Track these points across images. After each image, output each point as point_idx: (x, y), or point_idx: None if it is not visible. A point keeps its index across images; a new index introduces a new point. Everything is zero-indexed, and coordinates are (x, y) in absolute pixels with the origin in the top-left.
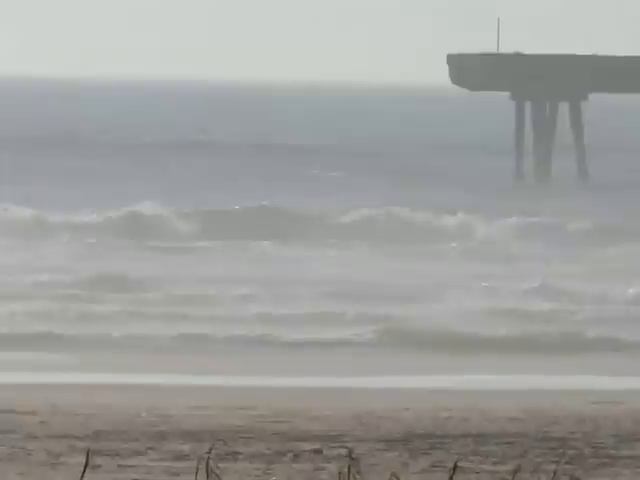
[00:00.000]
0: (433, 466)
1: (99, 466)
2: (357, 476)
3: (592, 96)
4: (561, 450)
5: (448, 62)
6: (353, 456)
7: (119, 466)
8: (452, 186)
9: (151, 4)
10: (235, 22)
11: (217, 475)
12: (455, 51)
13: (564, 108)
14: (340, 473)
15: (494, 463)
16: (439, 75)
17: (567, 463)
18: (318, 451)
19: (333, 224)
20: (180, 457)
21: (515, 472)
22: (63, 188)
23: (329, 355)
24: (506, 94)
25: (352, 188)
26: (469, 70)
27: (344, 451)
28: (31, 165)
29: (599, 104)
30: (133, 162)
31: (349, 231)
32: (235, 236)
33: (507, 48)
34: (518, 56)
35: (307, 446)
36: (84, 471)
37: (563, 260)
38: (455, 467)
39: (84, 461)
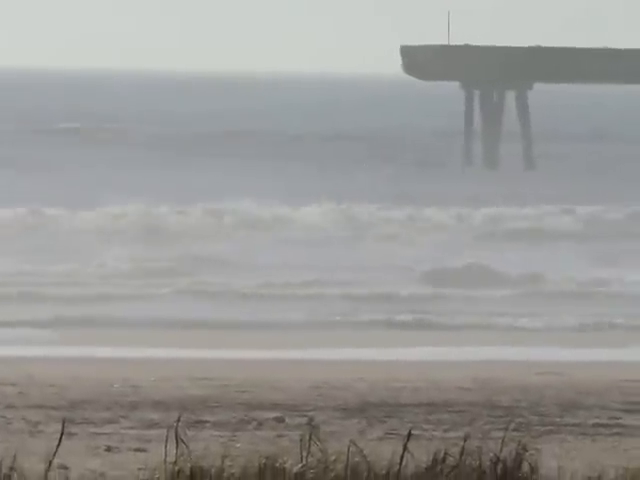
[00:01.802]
0: (388, 433)
1: (74, 434)
2: (317, 443)
3: (537, 85)
4: (508, 418)
5: (401, 53)
6: (313, 424)
7: (93, 434)
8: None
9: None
10: (204, 16)
11: (184, 442)
12: (408, 43)
13: (511, 98)
14: (301, 440)
15: (445, 430)
16: (394, 66)
17: (514, 430)
18: (280, 419)
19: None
20: (151, 425)
21: (465, 439)
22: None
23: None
24: (456, 83)
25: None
26: (421, 61)
27: (305, 419)
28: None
29: (545, 93)
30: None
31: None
32: None
33: (457, 40)
34: (467, 47)
35: (270, 415)
36: (60, 439)
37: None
38: (409, 434)
39: (60, 429)
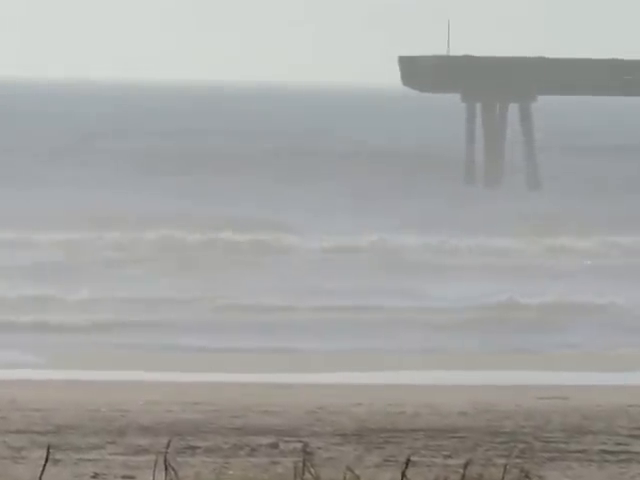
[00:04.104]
0: (386, 460)
1: (59, 460)
2: (312, 470)
3: (541, 98)
4: (511, 444)
5: (400, 64)
6: (308, 450)
7: (79, 460)
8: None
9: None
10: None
11: (173, 469)
12: (406, 53)
13: (515, 110)
14: (295, 467)
15: (445, 457)
16: (392, 77)
17: (517, 457)
18: (274, 445)
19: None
20: (139, 451)
21: (466, 466)
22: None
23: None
24: (457, 96)
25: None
26: (420, 72)
27: (299, 445)
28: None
29: (549, 105)
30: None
31: None
32: None
33: (457, 50)
34: (468, 58)
35: (263, 440)
36: (45, 465)
37: None
38: (408, 461)
39: (44, 455)
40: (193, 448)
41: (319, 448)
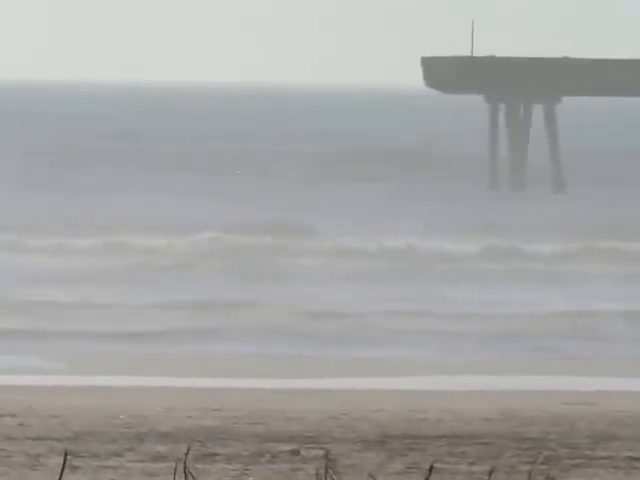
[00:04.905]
0: (409, 467)
1: (77, 467)
2: (334, 477)
3: (566, 99)
4: (536, 450)
5: (422, 65)
6: (330, 457)
7: (97, 467)
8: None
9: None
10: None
11: (193, 476)
12: (429, 54)
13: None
14: (317, 474)
15: (470, 464)
16: (414, 78)
17: (542, 463)
18: (295, 452)
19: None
20: (158, 458)
21: (490, 473)
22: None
23: None
24: (480, 97)
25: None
26: (443, 73)
27: (321, 452)
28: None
29: (574, 107)
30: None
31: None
32: None
33: (481, 51)
34: (491, 59)
35: (284, 447)
36: (62, 472)
37: None
38: (431, 468)
39: (62, 462)
40: (213, 455)
41: (341, 455)
